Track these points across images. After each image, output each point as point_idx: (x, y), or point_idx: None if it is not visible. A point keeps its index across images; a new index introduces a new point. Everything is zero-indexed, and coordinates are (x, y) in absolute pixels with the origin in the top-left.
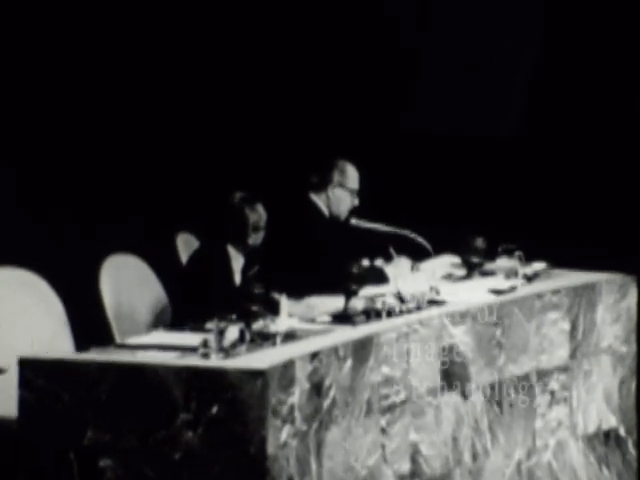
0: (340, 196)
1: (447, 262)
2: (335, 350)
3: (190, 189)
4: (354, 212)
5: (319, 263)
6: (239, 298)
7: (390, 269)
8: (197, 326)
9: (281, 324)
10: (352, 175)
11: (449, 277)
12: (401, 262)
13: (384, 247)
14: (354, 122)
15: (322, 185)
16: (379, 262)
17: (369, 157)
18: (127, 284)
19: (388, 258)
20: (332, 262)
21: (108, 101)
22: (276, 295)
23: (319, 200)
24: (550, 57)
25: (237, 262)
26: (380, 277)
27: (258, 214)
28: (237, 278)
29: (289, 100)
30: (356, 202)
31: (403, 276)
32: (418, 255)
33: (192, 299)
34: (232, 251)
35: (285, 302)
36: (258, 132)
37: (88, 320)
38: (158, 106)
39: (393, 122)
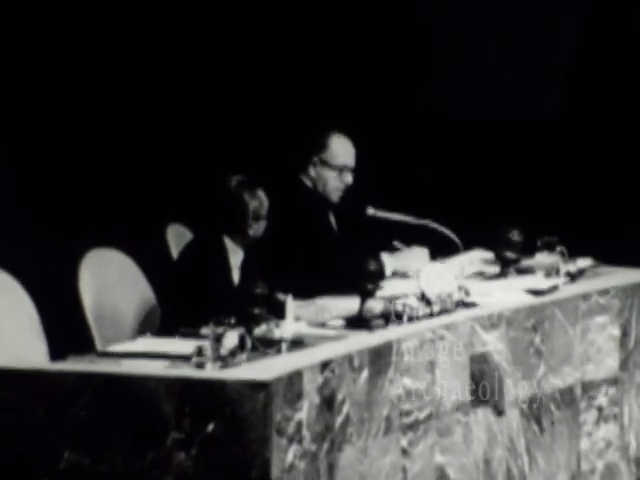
0: (324, 175)
1: (478, 258)
2: (349, 359)
3: (181, 175)
4: (371, 201)
5: (329, 258)
6: (239, 299)
7: (393, 260)
8: (190, 331)
9: (287, 329)
10: (338, 150)
11: (480, 275)
12: (415, 252)
13: (406, 240)
14: (376, 104)
15: (304, 164)
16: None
17: (387, 141)
18: (110, 283)
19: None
20: (345, 257)
21: (88, 88)
22: (281, 296)
23: (308, 181)
24: (590, 38)
25: (236, 257)
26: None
27: (259, 200)
28: (236, 275)
29: (297, 81)
30: (348, 180)
31: (423, 269)
32: (445, 250)
33: (184, 300)
34: (230, 244)
35: (291, 303)
36: (257, 114)
37: (65, 325)
38: (143, 91)
39: (417, 103)
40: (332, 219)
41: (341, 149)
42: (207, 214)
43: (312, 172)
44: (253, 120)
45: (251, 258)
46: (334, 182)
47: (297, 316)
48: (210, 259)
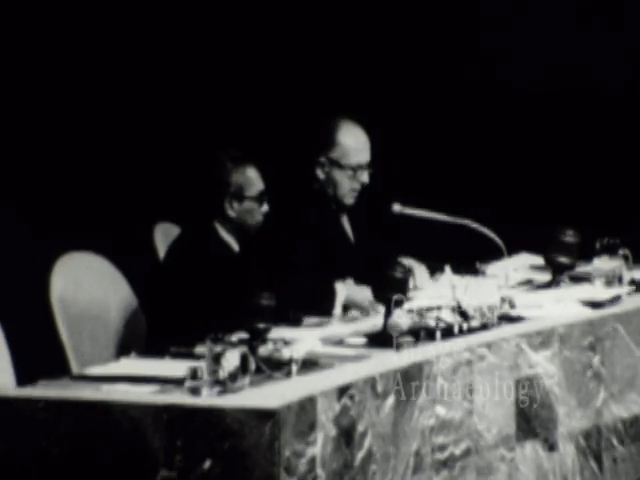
0: (335, 177)
1: (525, 263)
2: (371, 383)
3: (169, 170)
4: (396, 197)
5: (344, 272)
6: (240, 308)
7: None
8: (183, 350)
9: (298, 347)
10: (349, 146)
11: (528, 284)
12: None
13: (438, 243)
14: (400, 80)
15: (310, 165)
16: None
17: (415, 127)
18: (87, 293)
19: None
20: (363, 267)
21: (66, 84)
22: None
23: (316, 185)
24: None
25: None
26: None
27: (244, 177)
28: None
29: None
30: (364, 179)
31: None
32: (486, 254)
33: (175, 311)
34: (223, 232)
35: (342, 288)
36: (254, 103)
37: (35, 343)
38: (126, 84)
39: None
40: (346, 225)
41: (353, 144)
42: (192, 196)
43: (320, 174)
44: (250, 111)
45: (248, 255)
46: (348, 184)
47: (347, 301)
48: (201, 252)
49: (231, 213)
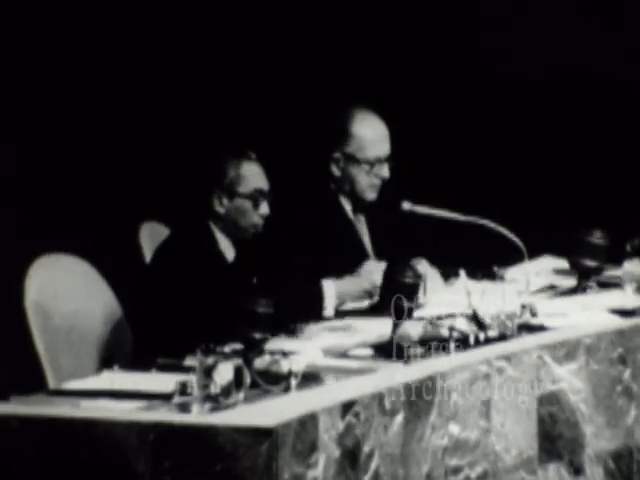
0: (352, 173)
1: (547, 267)
2: (379, 399)
3: (157, 167)
4: (405, 194)
5: (348, 267)
6: (235, 316)
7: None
8: (171, 362)
9: (299, 359)
10: (366, 138)
11: (551, 290)
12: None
13: (451, 245)
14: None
15: (325, 161)
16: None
17: (427, 119)
18: (65, 299)
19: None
20: (370, 264)
21: (45, 80)
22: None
23: (332, 184)
24: None
25: (223, 249)
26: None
27: (240, 171)
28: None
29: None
30: (384, 173)
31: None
32: (504, 256)
33: (162, 319)
34: (218, 234)
35: (330, 286)
36: (256, 93)
37: (7, 354)
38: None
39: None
40: (363, 227)
41: (369, 136)
42: (182, 191)
43: (336, 171)
44: (252, 101)
45: (245, 259)
46: (366, 180)
47: (339, 302)
48: (192, 255)
49: (219, 209)
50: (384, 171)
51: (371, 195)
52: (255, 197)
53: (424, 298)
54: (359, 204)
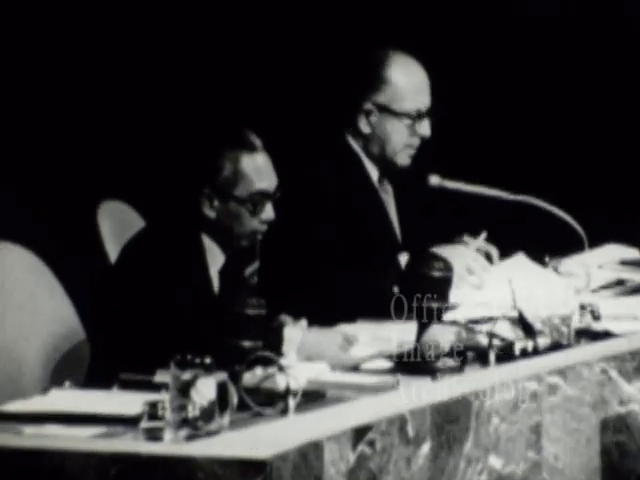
0: (386, 128)
1: (613, 258)
2: (400, 424)
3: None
4: (434, 167)
5: (363, 260)
6: (220, 323)
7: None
8: (137, 378)
9: (296, 375)
10: (406, 84)
11: (617, 287)
12: (518, 261)
13: (488, 228)
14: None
15: (352, 114)
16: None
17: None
18: (5, 299)
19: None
20: (388, 255)
21: None
22: (286, 320)
23: (355, 142)
24: None
25: (213, 260)
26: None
27: (239, 167)
28: (214, 286)
29: None
30: (425, 132)
31: (525, 287)
32: (558, 244)
33: (129, 326)
34: (208, 244)
35: (294, 330)
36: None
37: None
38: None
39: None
40: (391, 198)
41: (411, 80)
42: (174, 186)
43: (364, 126)
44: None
45: (237, 263)
46: (403, 137)
47: (307, 352)
48: (175, 261)
49: (209, 213)
50: (425, 128)
51: (405, 159)
52: (255, 200)
53: (459, 295)
54: (388, 169)
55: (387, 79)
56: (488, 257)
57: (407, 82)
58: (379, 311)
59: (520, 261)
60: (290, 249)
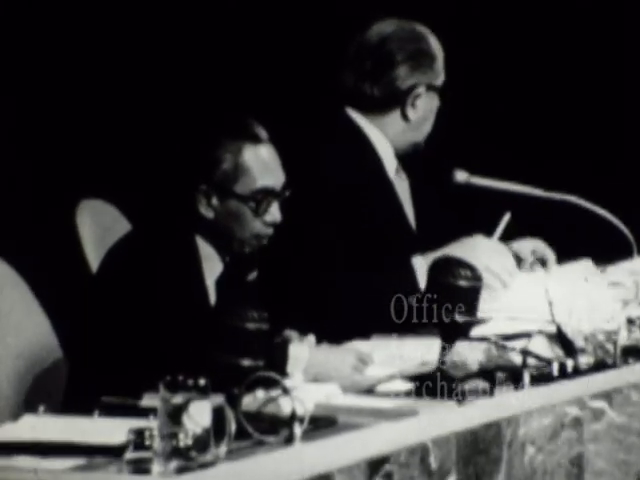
0: (426, 109)
1: None
2: (421, 455)
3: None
4: (460, 162)
5: (375, 266)
6: (216, 339)
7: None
8: (122, 402)
9: (303, 398)
10: (440, 60)
11: None
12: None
13: (521, 230)
14: None
15: (372, 90)
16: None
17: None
18: None
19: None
20: (407, 263)
21: None
22: (291, 336)
23: (371, 127)
24: None
25: (210, 268)
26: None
27: (241, 161)
28: (211, 297)
29: None
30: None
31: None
32: (602, 249)
33: (112, 342)
34: (202, 243)
35: (300, 348)
36: None
37: None
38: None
39: None
40: (406, 189)
41: (439, 54)
42: (167, 186)
43: (411, 112)
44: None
45: (237, 271)
46: (433, 116)
47: (315, 372)
48: (164, 263)
49: (206, 213)
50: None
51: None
52: (259, 199)
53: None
54: (408, 151)
55: (432, 53)
56: (543, 263)
57: (433, 55)
58: (395, 325)
59: (571, 268)
60: (294, 254)
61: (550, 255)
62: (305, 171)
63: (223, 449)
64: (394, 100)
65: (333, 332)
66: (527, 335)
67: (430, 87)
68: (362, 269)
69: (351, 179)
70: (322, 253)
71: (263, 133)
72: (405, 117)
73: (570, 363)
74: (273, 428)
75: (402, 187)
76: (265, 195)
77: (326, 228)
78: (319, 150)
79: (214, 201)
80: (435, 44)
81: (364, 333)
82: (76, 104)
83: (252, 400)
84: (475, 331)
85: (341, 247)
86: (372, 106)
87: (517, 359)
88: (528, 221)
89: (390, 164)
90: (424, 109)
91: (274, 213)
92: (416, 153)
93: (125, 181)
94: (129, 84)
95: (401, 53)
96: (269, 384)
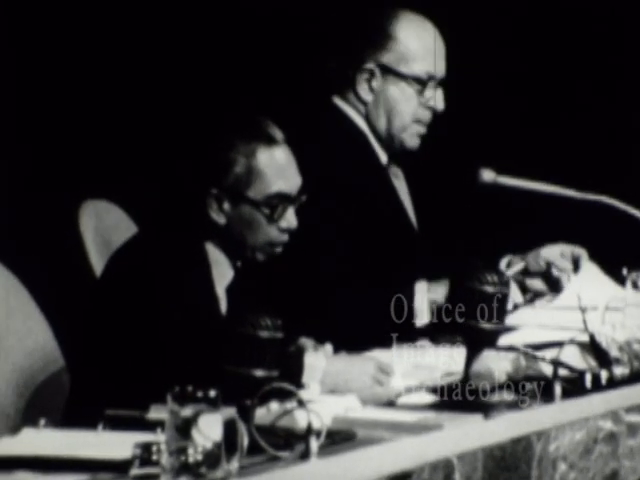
0: (391, 95)
1: None
2: (446, 472)
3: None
4: (486, 160)
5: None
6: (227, 348)
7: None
8: (127, 415)
9: (320, 411)
10: (414, 43)
11: None
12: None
13: (550, 232)
14: None
15: (348, 75)
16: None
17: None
18: None
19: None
20: (426, 265)
21: None
22: (307, 344)
23: (350, 108)
24: None
25: (220, 274)
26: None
27: (255, 164)
28: (222, 306)
29: None
30: (439, 104)
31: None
32: (637, 253)
33: (117, 351)
34: (212, 249)
35: (317, 357)
36: None
37: None
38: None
39: None
40: (403, 186)
41: (419, 40)
42: (173, 189)
43: (364, 93)
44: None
45: (248, 278)
46: (411, 108)
47: (332, 383)
48: (173, 269)
49: (217, 218)
50: (438, 101)
51: (414, 139)
52: (273, 204)
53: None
54: (392, 151)
55: (394, 35)
56: (575, 263)
57: (415, 39)
58: (395, 325)
59: (591, 273)
60: (306, 258)
61: (581, 253)
62: (305, 172)
63: (235, 465)
64: (347, 75)
65: (351, 340)
66: (558, 344)
67: (387, 70)
68: (371, 274)
69: (344, 174)
70: (331, 258)
71: (279, 134)
72: (359, 98)
73: (604, 374)
74: (288, 443)
75: (398, 184)
76: (280, 201)
77: (328, 231)
78: (311, 150)
79: (226, 206)
80: (415, 33)
81: (383, 342)
82: (83, 105)
83: (266, 413)
84: (503, 340)
85: (349, 251)
86: (340, 86)
87: (547, 370)
88: (557, 223)
89: (382, 158)
90: (383, 93)
91: (289, 219)
92: (403, 151)
93: (132, 183)
94: (137, 83)
95: (359, 28)
96: (284, 396)
